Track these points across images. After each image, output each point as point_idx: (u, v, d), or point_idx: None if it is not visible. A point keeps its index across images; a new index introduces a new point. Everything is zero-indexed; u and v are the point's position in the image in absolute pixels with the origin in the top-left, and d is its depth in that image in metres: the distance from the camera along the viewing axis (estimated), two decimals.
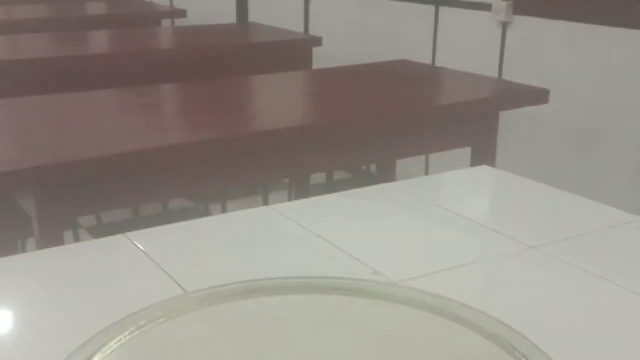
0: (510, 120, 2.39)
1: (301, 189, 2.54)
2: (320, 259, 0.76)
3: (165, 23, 3.75)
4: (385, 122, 1.87)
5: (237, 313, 0.50)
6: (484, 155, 2.08)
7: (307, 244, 0.79)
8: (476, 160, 2.08)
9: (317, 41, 2.88)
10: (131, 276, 0.72)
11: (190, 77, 2.27)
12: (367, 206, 0.91)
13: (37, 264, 0.76)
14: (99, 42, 3.02)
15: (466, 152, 2.06)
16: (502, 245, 0.80)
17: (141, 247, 0.77)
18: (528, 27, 2.55)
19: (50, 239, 1.45)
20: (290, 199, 2.55)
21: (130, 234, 0.81)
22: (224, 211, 2.44)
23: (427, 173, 2.85)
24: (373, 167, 2.72)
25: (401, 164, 2.45)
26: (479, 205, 0.91)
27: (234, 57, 2.79)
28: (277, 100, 2.01)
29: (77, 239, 2.08)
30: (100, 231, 2.18)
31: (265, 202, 2.57)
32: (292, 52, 2.91)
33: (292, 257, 0.77)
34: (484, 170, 1.03)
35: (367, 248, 0.78)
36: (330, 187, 2.61)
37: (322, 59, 2.93)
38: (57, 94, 1.94)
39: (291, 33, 3.06)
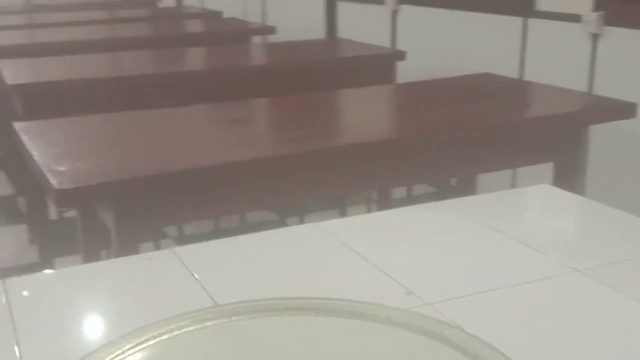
0: (604, 137, 2.31)
1: (382, 203, 2.54)
2: (355, 278, 0.76)
3: (256, 39, 3.83)
4: (467, 136, 1.85)
5: (252, 329, 0.51)
6: (569, 171, 2.02)
7: (346, 262, 0.80)
8: (560, 177, 2.03)
9: (401, 55, 2.87)
10: (168, 288, 0.74)
11: (278, 92, 2.32)
12: (414, 224, 0.91)
13: (83, 276, 0.80)
14: (193, 58, 3.13)
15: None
16: (546, 267, 0.78)
17: (184, 261, 0.80)
18: (619, 38, 2.46)
19: (127, 249, 1.51)
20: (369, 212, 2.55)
21: (177, 249, 0.84)
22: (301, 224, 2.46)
23: (514, 187, 2.79)
24: (454, 180, 2.69)
25: (484, 177, 2.41)
26: (529, 225, 0.89)
27: (321, 72, 2.82)
28: (361, 114, 2.04)
29: (158, 249, 2.15)
30: (182, 242, 2.25)
31: (342, 216, 2.58)
32: (378, 66, 2.92)
33: (328, 275, 0.77)
34: (543, 188, 1.00)
35: (404, 267, 0.78)
36: (410, 200, 2.60)
37: (407, 72, 2.92)
38: (150, 110, 2.03)
39: (377, 47, 3.07)
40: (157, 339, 0.46)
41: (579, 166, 2.04)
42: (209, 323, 0.48)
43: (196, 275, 0.77)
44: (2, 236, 3.01)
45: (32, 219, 2.86)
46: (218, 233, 2.31)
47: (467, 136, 1.84)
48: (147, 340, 0.45)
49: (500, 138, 1.92)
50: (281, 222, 2.55)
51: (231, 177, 1.59)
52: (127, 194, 1.50)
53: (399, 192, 2.57)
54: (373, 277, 0.76)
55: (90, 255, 1.73)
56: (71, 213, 2.56)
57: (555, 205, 0.96)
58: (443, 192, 2.79)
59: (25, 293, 0.74)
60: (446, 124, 1.86)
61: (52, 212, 2.81)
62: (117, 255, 1.53)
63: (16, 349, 0.62)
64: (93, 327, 0.67)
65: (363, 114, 2.04)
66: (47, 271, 0.81)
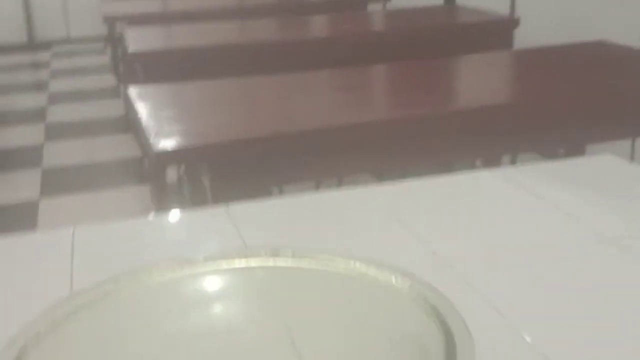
0: None
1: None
2: (388, 241, 0.79)
3: (373, 6, 3.84)
4: (579, 105, 1.82)
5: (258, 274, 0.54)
6: None
7: (385, 226, 0.83)
8: None
9: (516, 22, 2.81)
10: (209, 238, 0.80)
11: (395, 59, 2.34)
12: (462, 190, 0.92)
13: (148, 227, 0.87)
14: (313, 26, 3.20)
15: None
16: (584, 236, 0.77)
17: (232, 216, 0.85)
18: None
19: None
20: None
21: (232, 205, 0.89)
22: None
23: (632, 159, 2.67)
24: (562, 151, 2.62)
25: (593, 148, 2.33)
26: (578, 195, 0.88)
27: (438, 39, 2.81)
28: (477, 80, 2.04)
29: None
30: None
31: None
32: (494, 33, 2.88)
33: (363, 237, 0.80)
34: (605, 159, 0.98)
35: (435, 230, 0.80)
36: None
37: (523, 39, 2.85)
38: (268, 76, 2.11)
39: (494, 14, 3.01)
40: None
41: None
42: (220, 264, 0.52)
43: (242, 233, 0.82)
44: (128, 195, 3.22)
45: (153, 180, 3.04)
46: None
47: (579, 105, 1.81)
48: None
49: (613, 108, 1.86)
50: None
51: (347, 139, 1.64)
52: (224, 155, 1.58)
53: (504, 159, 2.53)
54: (403, 239, 0.78)
55: None
56: None
57: (615, 176, 0.94)
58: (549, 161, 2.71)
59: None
60: (558, 92, 1.84)
61: (171, 175, 2.98)
62: None
63: None
64: None
65: (479, 80, 2.05)
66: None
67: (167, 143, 1.54)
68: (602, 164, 0.97)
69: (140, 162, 3.56)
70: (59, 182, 3.36)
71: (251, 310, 0.53)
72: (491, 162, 2.57)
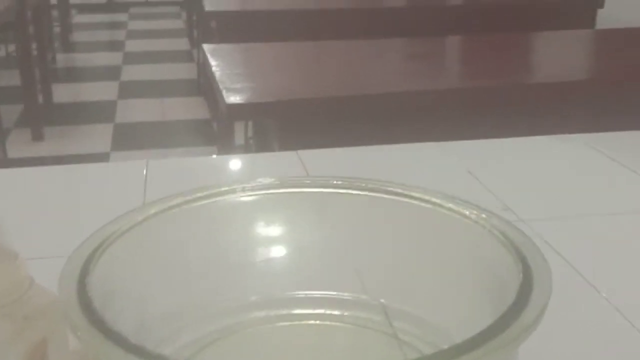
0: None
1: None
2: (460, 193, 0.77)
3: None
4: None
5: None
6: None
7: (454, 179, 0.81)
8: None
9: (599, 2, 2.72)
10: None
11: (472, 32, 2.31)
12: (537, 153, 0.90)
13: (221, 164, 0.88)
14: None
15: None
16: None
17: (302, 159, 0.85)
18: None
19: None
20: None
21: (301, 152, 0.89)
22: None
23: None
24: None
25: None
26: None
27: (518, 14, 2.76)
28: (553, 56, 2.00)
29: None
30: None
31: None
32: (577, 12, 2.80)
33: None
34: None
35: (510, 187, 0.78)
36: None
37: (604, 22, 2.77)
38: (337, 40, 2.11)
39: None
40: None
41: None
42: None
43: (312, 174, 0.82)
44: (196, 154, 3.26)
45: (221, 143, 3.07)
46: None
47: None
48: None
49: None
50: None
51: (413, 105, 1.63)
52: (292, 113, 1.59)
53: None
54: (476, 193, 0.77)
55: None
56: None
57: None
58: None
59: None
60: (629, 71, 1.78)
61: (239, 139, 3.01)
62: None
63: None
64: None
65: (558, 55, 2.00)
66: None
67: (238, 97, 1.55)
68: None
69: (209, 124, 3.61)
70: (129, 137, 3.43)
71: (319, 236, 0.53)
72: None
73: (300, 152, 0.88)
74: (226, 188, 0.50)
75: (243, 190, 0.50)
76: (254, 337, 0.50)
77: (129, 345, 0.34)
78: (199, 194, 0.50)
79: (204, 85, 3.77)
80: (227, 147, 2.87)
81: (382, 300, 0.52)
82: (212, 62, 1.84)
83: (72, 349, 0.47)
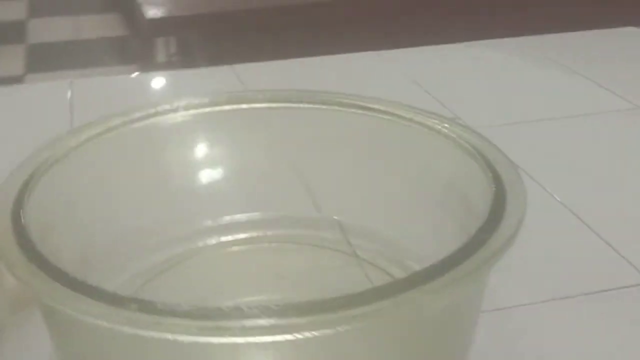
0: None
1: None
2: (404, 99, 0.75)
3: None
4: None
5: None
6: None
7: (399, 87, 0.79)
8: None
9: None
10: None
11: None
12: (478, 59, 0.88)
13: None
14: None
15: None
16: (607, 103, 0.74)
17: (237, 73, 0.81)
18: None
19: None
20: None
21: (237, 66, 0.85)
22: None
23: None
24: None
25: None
26: (601, 65, 0.84)
27: None
28: None
29: None
30: None
31: None
32: None
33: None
34: (628, 31, 0.94)
35: (457, 96, 0.76)
36: None
37: None
38: None
39: None
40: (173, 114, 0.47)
41: None
42: (226, 107, 0.48)
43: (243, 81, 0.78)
44: (115, 73, 3.14)
45: (141, 61, 2.96)
46: None
47: None
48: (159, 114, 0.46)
49: None
50: None
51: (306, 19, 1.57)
52: (218, 26, 1.52)
53: None
54: (423, 102, 0.74)
55: None
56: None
57: (636, 47, 0.90)
58: None
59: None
60: None
61: (161, 56, 2.90)
62: None
63: None
64: None
65: None
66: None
67: (159, 11, 1.48)
68: (627, 36, 0.93)
69: (126, 41, 3.47)
70: (43, 59, 3.26)
71: (268, 155, 0.49)
72: None
73: (235, 66, 0.83)
74: (167, 106, 0.46)
75: (186, 108, 0.46)
76: (206, 265, 0.47)
77: (73, 281, 0.30)
78: (136, 114, 0.45)
79: (122, 2, 3.60)
80: (148, 65, 2.76)
81: (336, 218, 0.50)
82: None
83: (7, 286, 0.43)
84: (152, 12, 1.45)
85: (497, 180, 0.38)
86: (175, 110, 0.47)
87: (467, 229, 0.35)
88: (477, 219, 0.35)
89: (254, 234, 0.49)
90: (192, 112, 0.48)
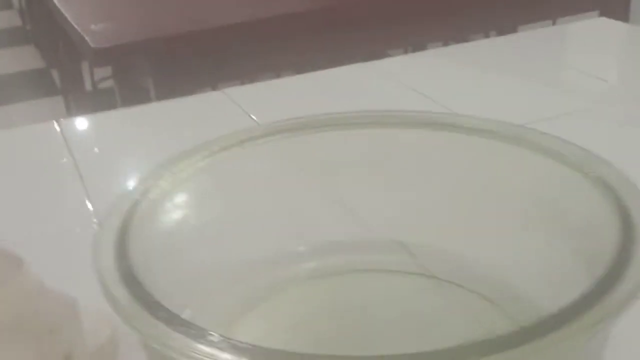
0: None
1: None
2: (394, 100, 0.74)
3: None
4: None
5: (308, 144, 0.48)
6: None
7: (395, 93, 0.78)
8: None
9: None
10: (215, 117, 0.74)
11: None
12: (459, 60, 0.88)
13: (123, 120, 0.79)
14: None
15: None
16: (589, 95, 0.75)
17: (231, 96, 0.79)
18: None
19: None
20: None
21: (227, 89, 0.82)
22: None
23: None
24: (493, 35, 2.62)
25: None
26: (583, 55, 0.86)
27: None
28: None
29: None
30: None
31: None
32: None
33: (376, 101, 0.75)
34: (600, 22, 0.96)
35: (454, 97, 0.76)
36: None
37: None
38: None
39: None
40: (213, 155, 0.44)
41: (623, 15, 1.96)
42: (261, 140, 0.46)
43: (252, 116, 0.75)
44: (40, 107, 3.03)
45: (67, 91, 2.86)
46: None
47: None
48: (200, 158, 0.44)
49: None
50: None
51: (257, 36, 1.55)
52: (166, 50, 1.48)
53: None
54: (425, 106, 0.74)
55: None
56: (106, 84, 2.55)
57: (609, 37, 0.92)
58: None
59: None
60: None
61: (87, 84, 2.81)
62: None
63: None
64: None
65: None
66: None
67: (104, 39, 1.42)
68: (598, 27, 0.95)
69: (46, 73, 3.35)
70: None
71: (370, 179, 0.47)
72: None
73: (227, 90, 0.81)
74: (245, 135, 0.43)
75: (264, 135, 0.44)
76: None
77: (183, 323, 0.28)
78: (219, 144, 0.43)
79: (34, 32, 3.48)
80: (77, 95, 2.67)
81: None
82: (60, 4, 1.68)
83: (91, 350, 0.40)
84: (98, 41, 1.40)
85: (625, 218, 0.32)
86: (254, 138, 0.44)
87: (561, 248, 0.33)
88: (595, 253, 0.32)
89: (365, 256, 0.47)
90: (271, 138, 0.45)
